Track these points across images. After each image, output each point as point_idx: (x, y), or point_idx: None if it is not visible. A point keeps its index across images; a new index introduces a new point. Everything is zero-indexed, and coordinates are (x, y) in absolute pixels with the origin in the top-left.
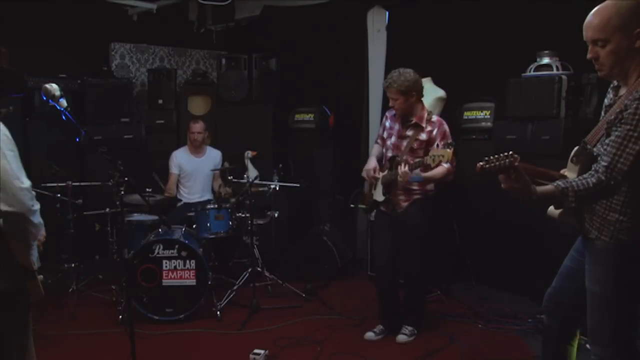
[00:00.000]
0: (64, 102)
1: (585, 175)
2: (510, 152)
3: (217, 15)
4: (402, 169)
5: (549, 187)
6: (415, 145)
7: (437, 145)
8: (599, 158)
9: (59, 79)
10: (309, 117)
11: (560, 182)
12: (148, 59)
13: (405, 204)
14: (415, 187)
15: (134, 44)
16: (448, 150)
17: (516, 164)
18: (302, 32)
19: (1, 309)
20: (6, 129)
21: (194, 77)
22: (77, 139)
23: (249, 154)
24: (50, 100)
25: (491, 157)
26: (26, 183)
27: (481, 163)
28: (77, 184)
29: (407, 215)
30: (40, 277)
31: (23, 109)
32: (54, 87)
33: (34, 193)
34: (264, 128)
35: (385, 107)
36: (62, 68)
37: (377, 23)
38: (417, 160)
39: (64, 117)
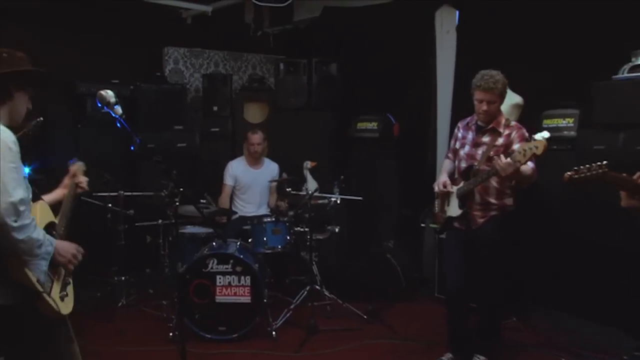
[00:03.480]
0: (119, 109)
1: None
2: (604, 162)
3: (274, 17)
4: (501, 160)
5: None
6: (492, 152)
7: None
8: None
9: (111, 84)
10: (372, 125)
11: None
12: (202, 63)
13: (481, 221)
14: (493, 201)
15: (188, 49)
16: (542, 139)
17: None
18: (365, 34)
19: (3, 324)
20: (13, 137)
21: (250, 83)
22: (132, 148)
23: (308, 164)
24: (105, 107)
25: (581, 167)
26: (15, 196)
27: (570, 173)
28: (129, 193)
29: (483, 233)
30: (60, 293)
31: (74, 116)
32: (109, 94)
33: (23, 208)
34: (324, 137)
35: (455, 115)
36: (114, 74)
37: (446, 23)
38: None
39: (118, 125)
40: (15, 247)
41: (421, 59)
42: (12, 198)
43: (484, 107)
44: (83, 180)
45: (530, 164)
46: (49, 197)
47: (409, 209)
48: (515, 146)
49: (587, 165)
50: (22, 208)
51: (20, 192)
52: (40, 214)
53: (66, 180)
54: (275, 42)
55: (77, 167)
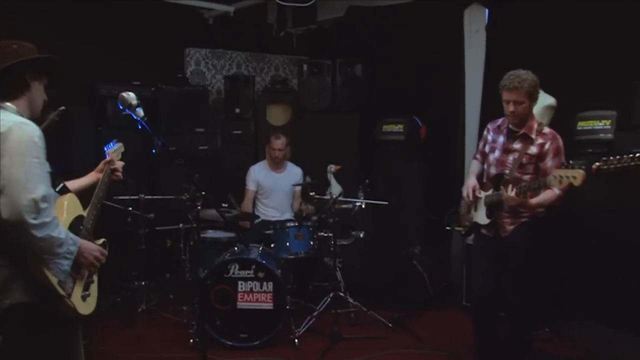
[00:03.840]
0: (140, 112)
1: None
2: (638, 154)
3: (297, 17)
4: (509, 193)
5: None
6: (524, 159)
7: (550, 162)
8: None
9: (132, 86)
10: (398, 128)
11: None
12: (224, 65)
13: (510, 227)
14: (523, 209)
15: (210, 49)
16: (580, 170)
17: None
18: (390, 34)
19: (20, 322)
20: (39, 131)
21: (273, 85)
22: (154, 150)
23: (332, 168)
24: (126, 110)
25: (611, 158)
26: (37, 193)
27: (598, 163)
28: (150, 197)
29: (513, 240)
30: (82, 292)
31: (95, 118)
32: (131, 96)
33: (44, 205)
34: (348, 140)
35: (484, 117)
36: (135, 75)
37: (475, 22)
38: (528, 184)
39: (139, 127)
40: (34, 245)
41: (449, 59)
42: (33, 194)
43: (511, 107)
44: (119, 166)
45: (556, 190)
46: (80, 182)
47: (435, 214)
48: (548, 161)
49: (618, 157)
50: (43, 205)
51: (42, 188)
52: (68, 208)
53: (101, 165)
54: (298, 42)
55: (115, 150)
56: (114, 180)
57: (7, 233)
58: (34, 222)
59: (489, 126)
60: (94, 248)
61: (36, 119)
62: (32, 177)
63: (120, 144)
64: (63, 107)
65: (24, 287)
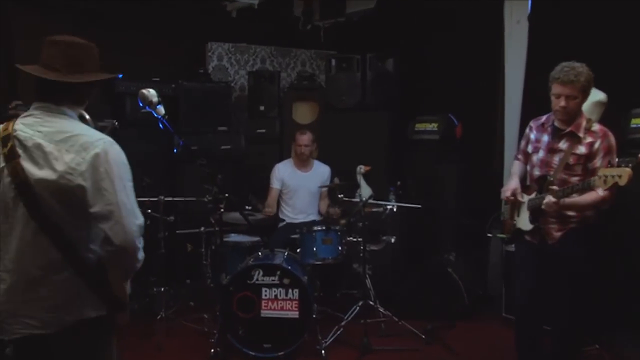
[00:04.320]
0: (161, 109)
1: None
2: None
3: (325, 9)
4: (548, 199)
5: None
6: (571, 160)
7: (600, 162)
8: None
9: (152, 83)
10: (432, 126)
11: None
12: (248, 60)
13: (557, 234)
14: (570, 213)
15: (233, 44)
16: (627, 168)
17: None
18: (424, 27)
19: (86, 334)
20: (122, 151)
21: (300, 81)
22: (175, 150)
23: (361, 169)
24: (146, 107)
25: None
26: (140, 219)
27: None
28: (169, 199)
29: (560, 248)
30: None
31: (113, 115)
32: (151, 93)
33: (142, 230)
34: (379, 139)
35: (525, 114)
36: (155, 71)
37: (517, 13)
38: (571, 185)
39: (160, 126)
40: (134, 267)
41: (487, 52)
42: (139, 220)
43: (562, 102)
44: None
45: (600, 192)
46: None
47: (472, 218)
48: (598, 161)
49: None
50: (142, 230)
51: (140, 213)
52: None
53: None
54: (326, 36)
55: None
56: None
57: (107, 259)
58: (140, 246)
59: (532, 124)
60: None
61: None
62: (134, 202)
63: None
64: (116, 122)
65: (92, 302)
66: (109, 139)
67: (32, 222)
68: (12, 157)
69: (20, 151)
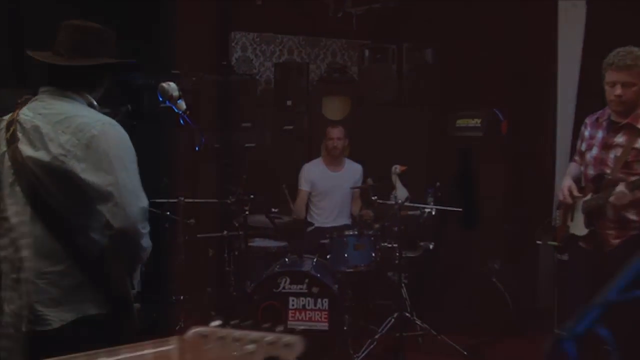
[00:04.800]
0: (182, 104)
1: None
2: None
3: None
4: (620, 187)
5: None
6: (630, 156)
7: None
8: None
9: (172, 75)
10: (475, 122)
11: None
12: (275, 50)
13: (616, 242)
14: (632, 218)
15: (258, 33)
16: None
17: None
18: (467, 13)
19: (89, 335)
20: (124, 132)
21: (330, 73)
22: (197, 148)
23: (397, 169)
24: (167, 102)
25: None
26: (144, 202)
27: None
28: (190, 200)
29: (619, 257)
30: (137, 305)
31: (130, 111)
32: (172, 87)
33: (147, 214)
34: (417, 137)
35: (581, 109)
36: (174, 63)
37: None
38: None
39: (181, 122)
40: (136, 255)
41: (538, 39)
42: (142, 203)
43: (618, 90)
44: None
45: None
46: None
47: (519, 223)
48: None
49: None
50: (146, 214)
51: (144, 195)
52: None
53: None
54: (358, 24)
55: None
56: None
57: (114, 242)
58: (143, 231)
59: (587, 121)
60: None
61: None
62: (138, 184)
63: None
64: (129, 106)
65: (93, 298)
66: (109, 120)
67: (29, 208)
68: (12, 142)
69: (20, 135)
